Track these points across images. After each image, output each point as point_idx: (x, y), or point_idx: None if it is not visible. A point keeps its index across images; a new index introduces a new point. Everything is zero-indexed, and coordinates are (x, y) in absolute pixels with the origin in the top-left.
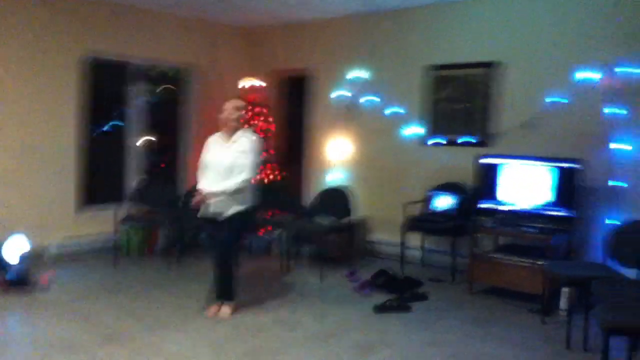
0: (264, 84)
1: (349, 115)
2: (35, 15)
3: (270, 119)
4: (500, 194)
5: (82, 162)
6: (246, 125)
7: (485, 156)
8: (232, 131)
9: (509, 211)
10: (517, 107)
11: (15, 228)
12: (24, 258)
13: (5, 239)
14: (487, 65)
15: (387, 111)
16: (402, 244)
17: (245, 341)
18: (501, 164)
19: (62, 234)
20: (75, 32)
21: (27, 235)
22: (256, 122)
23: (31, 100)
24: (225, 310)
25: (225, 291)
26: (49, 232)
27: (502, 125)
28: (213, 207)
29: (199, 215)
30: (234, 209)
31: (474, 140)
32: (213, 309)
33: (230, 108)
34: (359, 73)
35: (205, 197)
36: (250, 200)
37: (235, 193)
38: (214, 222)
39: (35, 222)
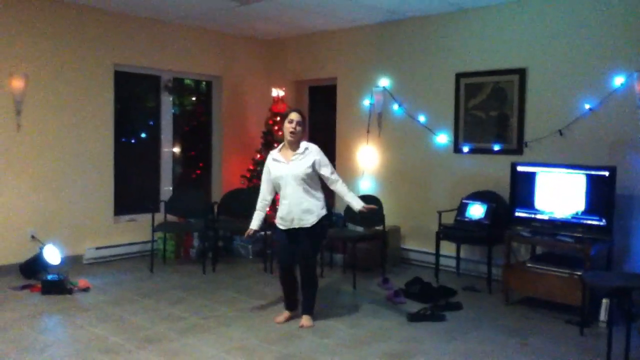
0: (283, 93)
1: (378, 123)
2: (70, 28)
3: None
4: (536, 202)
5: (119, 171)
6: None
7: (521, 164)
8: (296, 143)
9: (545, 220)
10: (549, 113)
11: (56, 234)
12: (63, 262)
13: (45, 243)
14: (518, 71)
15: (417, 119)
16: (437, 252)
17: (278, 347)
18: (537, 171)
19: (99, 240)
20: (108, 44)
21: (67, 241)
22: (282, 133)
23: (67, 111)
24: (308, 321)
25: (309, 302)
26: (87, 238)
27: (535, 133)
28: (297, 217)
29: (280, 227)
30: (315, 218)
31: (506, 148)
32: (282, 316)
33: (296, 119)
34: (386, 82)
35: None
36: (325, 208)
37: (312, 204)
38: (290, 232)
39: (75, 228)
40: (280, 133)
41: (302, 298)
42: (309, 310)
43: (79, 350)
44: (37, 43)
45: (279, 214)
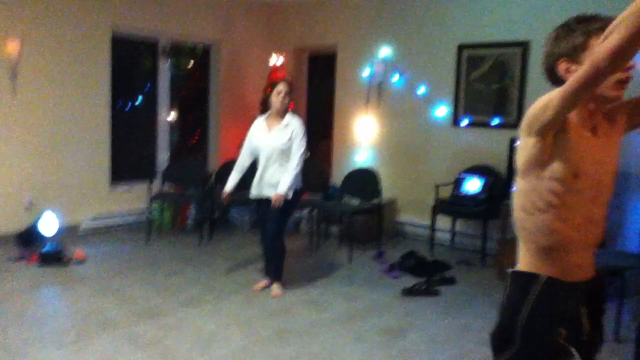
0: (283, 61)
1: (377, 94)
2: None
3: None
4: None
5: (114, 139)
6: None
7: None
8: (282, 114)
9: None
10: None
11: (50, 204)
12: (58, 233)
13: (40, 214)
14: (521, 44)
15: (416, 91)
16: (432, 226)
17: (274, 321)
18: None
19: (95, 209)
20: (105, 6)
21: (62, 211)
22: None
23: (64, 76)
24: (277, 289)
25: (275, 271)
26: (83, 208)
27: None
28: (266, 188)
29: (250, 196)
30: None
31: (506, 122)
32: (262, 283)
33: (284, 90)
34: (387, 51)
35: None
36: (298, 182)
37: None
38: (265, 202)
39: (70, 198)
40: None
41: (269, 265)
42: (274, 276)
43: (77, 323)
44: (33, 5)
45: (254, 180)
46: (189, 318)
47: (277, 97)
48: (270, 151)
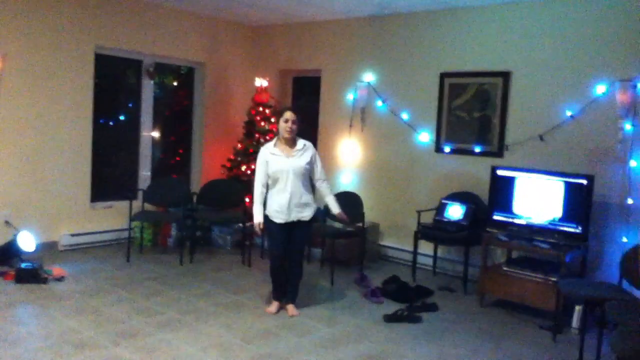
0: (267, 84)
1: (361, 118)
2: (51, 7)
3: (274, 119)
4: (514, 206)
5: (96, 156)
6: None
7: (501, 167)
8: (292, 141)
9: (523, 225)
10: (531, 118)
11: (30, 220)
12: (37, 249)
13: (20, 229)
14: (502, 74)
15: (399, 116)
16: (414, 252)
17: (254, 345)
18: (516, 176)
19: (75, 226)
20: (89, 25)
21: (41, 227)
22: (263, 123)
23: (46, 92)
24: (294, 310)
25: (295, 292)
26: (63, 225)
27: (516, 136)
28: (295, 211)
29: (277, 221)
30: (311, 212)
31: (488, 150)
32: (274, 306)
33: (292, 119)
34: (371, 76)
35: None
36: (316, 206)
37: (309, 198)
38: (290, 225)
39: (50, 214)
40: (262, 124)
41: (289, 288)
42: (294, 299)
43: (52, 344)
44: (17, 22)
45: (275, 207)
46: (167, 340)
47: (285, 125)
48: (295, 175)
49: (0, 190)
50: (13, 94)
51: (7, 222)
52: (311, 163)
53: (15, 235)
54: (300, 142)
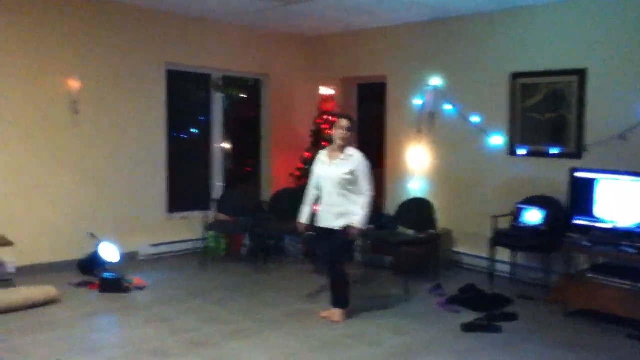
0: (332, 92)
1: (429, 123)
2: (124, 29)
3: None
4: (595, 210)
5: (170, 169)
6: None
7: (580, 170)
8: (342, 148)
9: (607, 229)
10: (610, 117)
11: (110, 232)
12: (119, 260)
13: (100, 241)
14: (578, 72)
15: (469, 119)
16: (491, 259)
17: (322, 355)
18: (597, 178)
19: (154, 237)
20: (160, 44)
21: (121, 239)
22: (330, 131)
23: (121, 110)
24: (337, 315)
25: (338, 298)
26: (141, 236)
27: (595, 136)
28: (330, 219)
29: (318, 225)
30: (342, 223)
31: (565, 152)
32: (327, 311)
33: (345, 126)
34: (438, 80)
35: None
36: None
37: (346, 208)
38: (327, 232)
39: (129, 226)
40: (328, 132)
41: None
42: (337, 303)
43: (130, 352)
44: (93, 44)
45: (319, 210)
46: (238, 349)
47: (338, 132)
48: (332, 182)
49: (84, 204)
50: (91, 112)
51: (91, 235)
52: (353, 174)
53: (97, 246)
54: (348, 152)
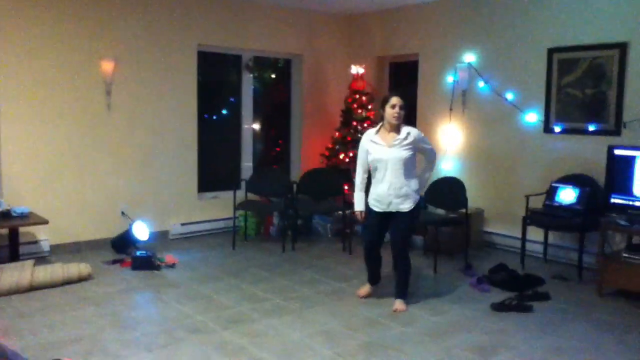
0: (362, 71)
1: (462, 101)
2: (156, 10)
3: (371, 107)
4: (634, 188)
5: (201, 149)
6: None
7: (620, 147)
8: (397, 127)
9: None
10: None
11: (143, 211)
12: (150, 239)
13: (134, 219)
14: (618, 46)
15: (504, 96)
16: (523, 238)
17: (359, 333)
18: (637, 155)
19: (184, 216)
20: (191, 25)
21: (153, 218)
22: (360, 110)
23: (153, 92)
24: (400, 304)
25: (402, 287)
26: (173, 215)
27: (636, 113)
28: (394, 202)
29: (375, 209)
30: (412, 203)
31: (603, 129)
32: (364, 289)
33: (398, 104)
34: (471, 56)
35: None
36: (418, 193)
37: (411, 189)
38: (388, 215)
39: (161, 205)
40: (359, 111)
41: (395, 281)
42: (401, 294)
43: (166, 328)
44: (125, 27)
45: (374, 195)
46: (275, 326)
47: (392, 111)
48: (394, 165)
49: (117, 184)
50: (124, 95)
51: (123, 213)
52: (415, 149)
53: (130, 225)
54: (404, 130)
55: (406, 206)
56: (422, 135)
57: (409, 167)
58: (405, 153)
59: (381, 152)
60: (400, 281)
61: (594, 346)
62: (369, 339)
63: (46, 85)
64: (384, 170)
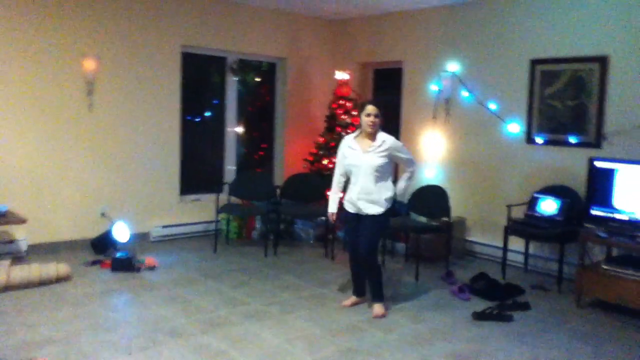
0: (347, 77)
1: (445, 109)
2: (140, 9)
3: (355, 113)
4: (614, 200)
5: (183, 151)
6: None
7: (600, 159)
8: (373, 135)
9: (624, 220)
10: (632, 106)
11: (123, 212)
12: (130, 240)
13: (115, 221)
14: (599, 59)
15: (487, 106)
16: (504, 248)
17: (339, 339)
18: (616, 168)
19: (165, 219)
20: (175, 25)
21: (134, 219)
22: (345, 116)
23: (136, 92)
24: (378, 309)
25: (377, 290)
26: (154, 217)
27: (616, 126)
28: (364, 205)
29: (348, 209)
30: (380, 209)
31: (584, 141)
32: (349, 300)
33: (374, 112)
34: (455, 66)
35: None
36: (391, 200)
37: (381, 195)
38: (359, 219)
39: (142, 207)
40: (343, 117)
41: (368, 285)
42: (377, 297)
43: (145, 331)
44: (108, 25)
45: (348, 196)
46: (254, 331)
47: (367, 119)
48: (368, 170)
49: (97, 184)
50: (106, 93)
51: (103, 214)
52: (390, 157)
53: (111, 226)
54: (380, 138)
55: (373, 210)
56: (400, 144)
57: (382, 174)
58: (378, 160)
59: (356, 157)
60: (372, 284)
61: (570, 356)
62: (349, 344)
63: (26, 83)
64: (357, 175)
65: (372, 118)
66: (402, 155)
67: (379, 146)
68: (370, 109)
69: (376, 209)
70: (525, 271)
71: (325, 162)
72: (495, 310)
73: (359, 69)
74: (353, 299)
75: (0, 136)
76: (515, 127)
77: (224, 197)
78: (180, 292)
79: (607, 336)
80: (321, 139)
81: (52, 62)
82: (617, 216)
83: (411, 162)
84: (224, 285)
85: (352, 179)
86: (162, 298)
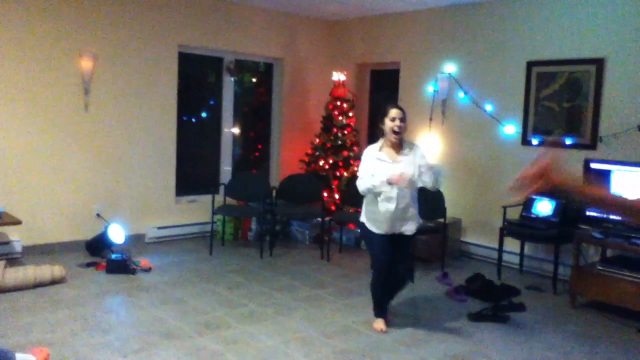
0: (344, 78)
1: (441, 111)
2: (137, 9)
3: (351, 114)
4: None
5: (179, 152)
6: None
7: (595, 161)
8: (399, 141)
9: (619, 221)
10: (627, 108)
11: (118, 213)
12: (126, 242)
13: (110, 222)
14: (595, 61)
15: (483, 108)
16: (500, 249)
17: (335, 341)
18: (612, 169)
19: (161, 220)
20: (172, 25)
21: (129, 221)
22: (341, 118)
23: (132, 92)
24: (379, 325)
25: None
26: (149, 218)
27: (611, 128)
28: (400, 224)
29: (381, 232)
30: (416, 226)
31: (580, 142)
32: (384, 323)
33: (399, 116)
34: (452, 67)
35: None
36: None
37: (414, 211)
38: (395, 238)
39: (137, 208)
40: (340, 118)
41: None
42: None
43: (141, 332)
44: (105, 24)
45: (376, 216)
46: (250, 332)
47: (393, 124)
48: (406, 183)
49: (92, 185)
50: (103, 93)
51: (98, 215)
52: (419, 166)
53: (106, 228)
54: (406, 144)
55: (410, 229)
56: (424, 151)
57: (413, 186)
58: (413, 169)
59: (388, 170)
60: (391, 297)
61: (566, 356)
62: (344, 346)
63: (22, 82)
64: (390, 190)
65: (397, 122)
66: (425, 163)
67: (408, 153)
68: (394, 112)
69: (413, 227)
70: (521, 272)
71: (321, 163)
72: (491, 311)
73: (356, 70)
74: (384, 320)
75: None
76: (511, 129)
77: (219, 198)
78: (175, 293)
79: (603, 336)
80: (317, 140)
81: (48, 61)
82: (612, 217)
83: (434, 167)
84: (220, 287)
85: (385, 195)
86: (157, 300)
